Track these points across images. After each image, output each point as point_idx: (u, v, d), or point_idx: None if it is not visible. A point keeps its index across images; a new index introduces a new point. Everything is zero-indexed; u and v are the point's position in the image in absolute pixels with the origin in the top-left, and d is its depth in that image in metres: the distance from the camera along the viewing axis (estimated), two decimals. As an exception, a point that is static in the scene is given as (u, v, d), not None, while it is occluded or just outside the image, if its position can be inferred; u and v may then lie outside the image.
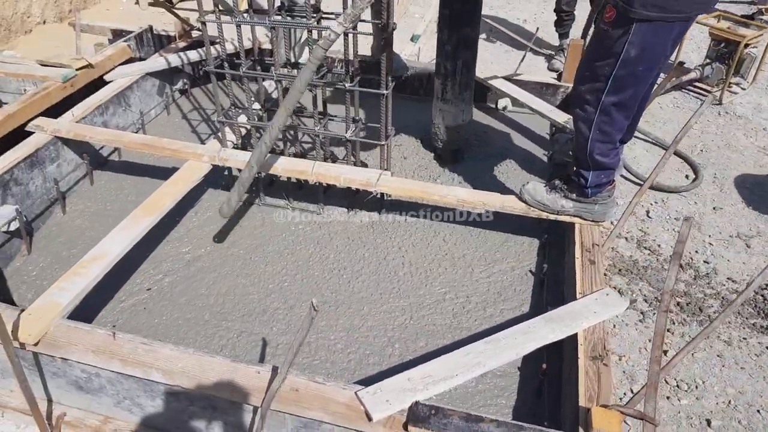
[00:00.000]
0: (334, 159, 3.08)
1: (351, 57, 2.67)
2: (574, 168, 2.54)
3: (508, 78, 3.83)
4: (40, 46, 5.64)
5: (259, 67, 2.86)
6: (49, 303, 2.10)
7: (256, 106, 3.11)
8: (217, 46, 2.85)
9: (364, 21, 2.64)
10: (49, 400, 2.28)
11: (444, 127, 3.32)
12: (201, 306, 2.63)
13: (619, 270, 3.29)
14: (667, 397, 2.64)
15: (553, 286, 2.66)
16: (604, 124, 2.30)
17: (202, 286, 2.72)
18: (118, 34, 4.30)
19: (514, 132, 3.84)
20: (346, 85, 2.66)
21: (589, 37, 2.74)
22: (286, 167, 2.86)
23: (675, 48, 2.29)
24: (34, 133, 3.10)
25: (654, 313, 3.03)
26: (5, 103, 3.63)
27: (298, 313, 2.61)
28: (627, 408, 1.73)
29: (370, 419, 1.75)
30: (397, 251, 2.93)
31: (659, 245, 3.49)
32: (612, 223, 3.00)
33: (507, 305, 2.65)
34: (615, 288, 3.14)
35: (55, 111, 3.32)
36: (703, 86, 5.04)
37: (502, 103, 3.96)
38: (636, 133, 4.36)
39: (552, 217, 2.63)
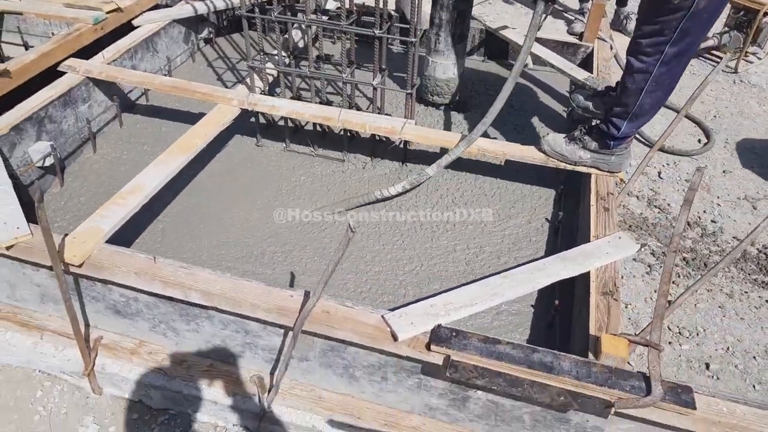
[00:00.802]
0: (358, 109, 3.17)
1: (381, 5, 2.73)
2: (609, 117, 2.58)
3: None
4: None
5: (289, 14, 2.93)
6: (92, 228, 2.22)
7: (284, 53, 3.19)
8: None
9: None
10: (87, 325, 2.43)
11: (434, 78, 3.34)
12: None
13: (630, 226, 3.41)
14: (669, 343, 2.77)
15: (568, 234, 2.77)
16: (663, 75, 2.33)
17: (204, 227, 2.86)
18: (144, -19, 4.35)
19: (535, 88, 3.92)
20: (376, 32, 2.73)
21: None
22: (314, 113, 2.95)
23: None
24: (66, 73, 3.19)
25: (660, 266, 3.16)
26: (31, 46, 3.71)
27: (298, 256, 2.74)
28: (634, 336, 1.86)
29: (396, 339, 1.88)
30: (413, 202, 3.05)
31: (669, 204, 3.59)
32: (623, 180, 3.09)
33: (521, 253, 2.77)
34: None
35: (85, 53, 3.41)
36: (721, 54, 5.07)
37: (522, 60, 4.01)
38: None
39: (569, 167, 2.73)
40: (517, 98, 3.80)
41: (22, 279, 2.38)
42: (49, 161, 2.95)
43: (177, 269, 2.10)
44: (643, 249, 3.25)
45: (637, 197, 3.63)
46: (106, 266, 2.13)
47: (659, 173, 3.83)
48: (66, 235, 2.21)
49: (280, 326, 2.05)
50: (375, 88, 2.93)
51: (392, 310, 1.99)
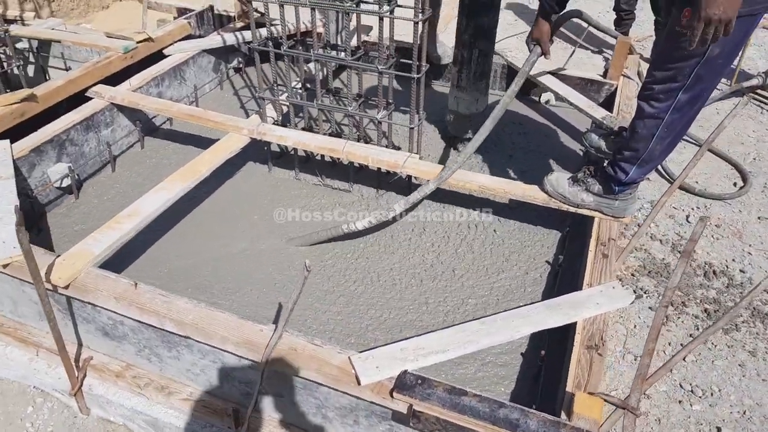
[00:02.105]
0: (367, 141, 3.17)
1: (385, 41, 2.74)
2: (615, 160, 2.49)
3: (551, 72, 3.81)
4: (115, 21, 5.98)
5: (301, 48, 2.97)
6: (83, 251, 2.28)
7: (297, 85, 3.23)
8: (272, 27, 3.00)
9: (401, 6, 2.71)
10: (80, 344, 2.48)
11: (457, 113, 3.34)
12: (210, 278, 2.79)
13: (649, 272, 3.24)
14: (679, 402, 2.60)
15: (567, 279, 2.66)
16: (675, 121, 2.25)
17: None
18: (182, 12, 4.52)
19: (554, 126, 3.83)
20: (379, 67, 2.73)
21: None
22: (320, 144, 2.97)
23: None
24: (92, 98, 3.32)
25: (678, 317, 2.98)
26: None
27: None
28: (610, 396, 1.75)
29: (359, 383, 1.83)
30: (417, 236, 3.00)
31: (695, 250, 3.40)
32: (637, 221, 2.95)
33: (517, 294, 2.68)
34: (642, 289, 3.11)
35: (115, 80, 3.55)
36: (766, 93, 4.83)
37: (545, 96, 3.94)
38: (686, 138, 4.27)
39: (572, 209, 2.63)
40: (535, 135, 3.73)
41: (22, 296, 2.46)
42: (66, 182, 3.07)
43: (155, 296, 2.12)
44: (661, 297, 3.08)
45: (661, 241, 3.45)
46: (90, 289, 2.17)
47: (687, 217, 3.65)
48: (58, 255, 2.27)
49: (252, 360, 2.04)
50: (380, 122, 2.92)
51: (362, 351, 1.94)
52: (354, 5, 2.69)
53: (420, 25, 2.60)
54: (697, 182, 3.93)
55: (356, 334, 2.50)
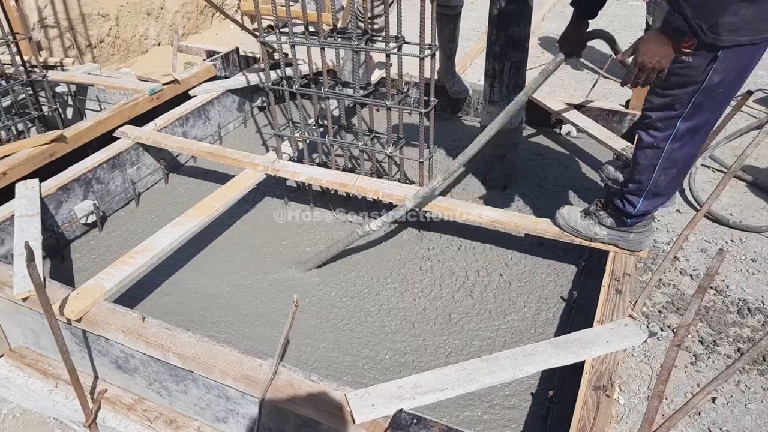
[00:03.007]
0: (380, 174, 3.18)
1: (395, 77, 2.77)
2: (623, 194, 2.44)
3: (570, 103, 3.76)
4: (153, 65, 6.22)
5: (314, 86, 3.03)
6: (96, 286, 2.34)
7: (312, 122, 3.29)
8: (297, 65, 3.08)
9: (408, 43, 2.74)
10: (95, 377, 2.53)
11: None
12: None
13: (677, 309, 3.12)
14: (706, 447, 2.47)
15: (582, 315, 2.58)
16: (675, 151, 2.19)
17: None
18: (211, 55, 4.68)
19: (574, 158, 3.77)
20: (387, 103, 2.75)
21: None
22: (332, 179, 3.00)
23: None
24: (119, 138, 3.45)
25: (708, 357, 2.85)
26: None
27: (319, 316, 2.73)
28: (611, 438, 1.67)
29: (354, 421, 1.81)
30: (429, 268, 2.98)
31: (728, 286, 3.27)
32: (664, 253, 2.83)
33: (530, 331, 2.61)
34: (669, 327, 2.98)
35: (142, 120, 3.69)
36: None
37: (566, 128, 3.89)
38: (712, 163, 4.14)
39: (585, 243, 2.57)
40: (554, 167, 3.68)
41: (43, 329, 2.53)
42: (91, 218, 3.18)
43: (161, 330, 2.15)
44: (689, 337, 2.95)
45: (691, 276, 3.32)
46: (100, 323, 2.22)
47: (720, 250, 3.50)
48: (72, 290, 2.34)
49: (253, 396, 2.03)
50: (390, 157, 2.94)
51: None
52: (363, 44, 2.73)
53: (426, 61, 2.62)
54: (731, 214, 3.79)
55: (352, 373, 2.46)
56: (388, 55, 2.67)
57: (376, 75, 3.99)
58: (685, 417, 2.21)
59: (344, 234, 3.16)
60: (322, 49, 2.80)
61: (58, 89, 4.41)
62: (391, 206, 3.11)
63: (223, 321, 2.71)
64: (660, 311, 3.12)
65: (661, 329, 3.00)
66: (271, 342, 2.59)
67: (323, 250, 2.89)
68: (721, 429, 2.54)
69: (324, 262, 2.88)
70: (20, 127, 3.96)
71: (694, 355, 2.86)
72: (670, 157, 2.20)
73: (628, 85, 2.06)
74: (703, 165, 4.14)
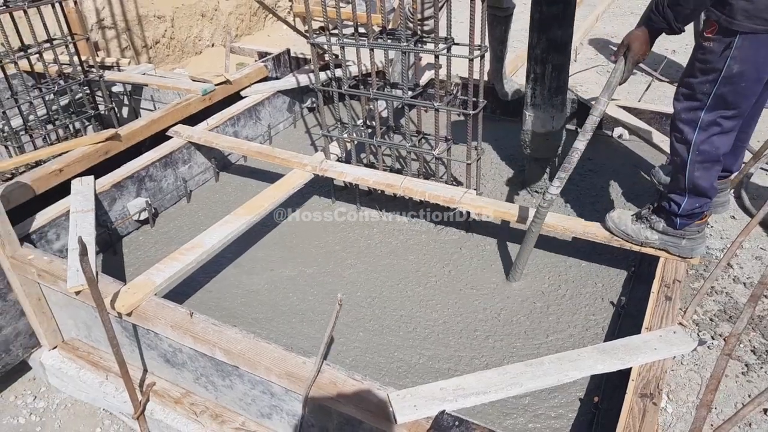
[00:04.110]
0: (427, 176, 3.18)
1: (444, 78, 2.76)
2: (667, 194, 2.42)
3: (623, 106, 3.68)
4: (206, 66, 6.37)
5: (362, 87, 3.05)
6: (146, 281, 2.41)
7: (360, 123, 3.31)
8: (347, 67, 3.11)
9: (458, 44, 2.73)
10: (145, 370, 2.60)
11: (532, 132, 3.21)
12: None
13: (730, 317, 3.02)
14: (757, 461, 2.38)
15: (631, 321, 2.52)
16: (703, 143, 2.20)
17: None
18: (262, 56, 4.76)
19: (626, 160, 3.68)
20: (435, 104, 2.75)
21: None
22: (378, 180, 3.01)
23: None
24: (172, 137, 3.55)
25: (760, 367, 2.75)
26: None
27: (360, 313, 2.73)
28: (659, 449, 1.63)
29: (395, 421, 1.81)
30: (473, 269, 2.96)
31: (779, 296, 3.14)
32: (717, 260, 2.74)
33: (577, 334, 2.57)
34: (721, 335, 2.89)
35: (195, 120, 3.78)
36: None
37: (618, 131, 3.81)
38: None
39: (636, 248, 2.51)
40: (605, 170, 3.60)
41: (95, 322, 2.62)
42: (144, 215, 3.27)
43: (208, 326, 2.20)
44: (742, 345, 2.86)
45: (745, 284, 3.21)
46: (149, 317, 2.28)
47: (777, 259, 3.38)
48: (123, 284, 2.42)
49: (297, 392, 2.06)
50: (437, 158, 2.93)
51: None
52: (412, 45, 2.74)
53: (476, 62, 2.60)
54: (789, 221, 3.65)
55: (389, 374, 2.46)
56: (437, 56, 2.66)
57: (426, 77, 3.99)
58: (734, 428, 2.14)
59: (390, 237, 3.17)
60: (372, 50, 2.82)
61: (114, 89, 4.56)
62: (437, 207, 3.10)
63: (264, 317, 2.75)
64: (711, 319, 3.03)
65: (712, 338, 2.91)
66: (309, 339, 2.62)
67: (522, 249, 2.76)
68: (771, 443, 2.45)
69: (527, 257, 2.79)
70: (77, 125, 4.12)
71: (746, 365, 2.77)
72: (698, 150, 2.21)
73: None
74: (761, 169, 4.00)
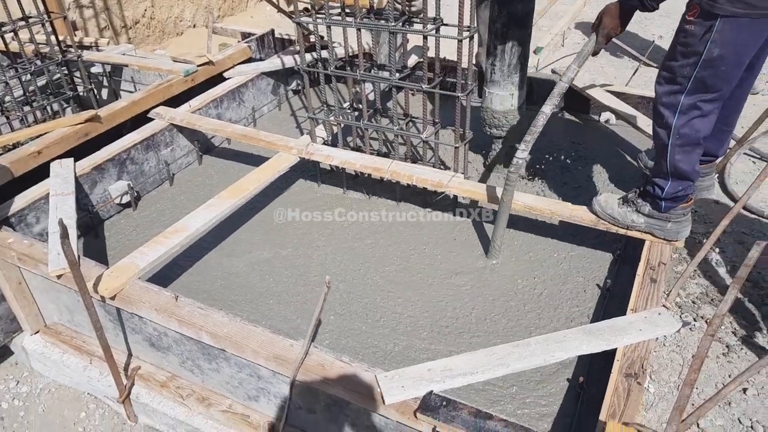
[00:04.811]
0: (414, 160, 3.16)
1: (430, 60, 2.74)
2: (651, 178, 2.44)
3: (610, 90, 3.69)
4: (187, 46, 6.27)
5: (349, 69, 3.02)
6: (129, 265, 2.38)
7: (346, 105, 3.28)
8: (333, 48, 3.05)
9: (446, 25, 2.71)
10: (129, 354, 2.58)
11: (492, 111, 3.19)
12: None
13: (711, 299, 3.06)
14: (738, 438, 2.43)
15: (616, 303, 2.54)
16: (683, 127, 2.21)
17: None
18: (246, 37, 4.68)
19: (613, 145, 3.70)
20: (423, 87, 2.73)
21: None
22: (365, 163, 2.99)
23: (763, 51, 2.15)
24: (154, 119, 3.49)
25: (741, 348, 2.79)
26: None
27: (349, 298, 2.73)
28: (645, 428, 1.65)
29: (383, 402, 1.81)
30: (457, 252, 2.96)
31: (764, 278, 3.19)
32: (701, 244, 2.77)
33: (563, 316, 2.59)
34: (702, 318, 2.93)
35: (177, 101, 3.72)
36: None
37: (605, 115, 3.82)
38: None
39: (622, 231, 2.52)
40: (592, 155, 3.61)
41: (77, 306, 2.58)
42: (126, 198, 3.22)
43: (194, 309, 2.18)
44: (722, 328, 2.90)
45: (726, 268, 3.26)
46: (134, 301, 2.25)
47: (759, 241, 3.42)
48: (107, 268, 2.38)
49: (284, 375, 2.05)
50: (425, 141, 2.92)
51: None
52: (400, 25, 2.71)
53: (465, 43, 2.58)
54: (771, 205, 3.70)
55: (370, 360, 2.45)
56: (425, 37, 2.64)
57: (413, 59, 3.96)
58: (715, 406, 2.18)
59: (377, 220, 3.16)
60: (359, 30, 2.78)
61: (93, 70, 4.47)
62: (425, 192, 3.09)
63: (243, 299, 2.75)
64: (694, 302, 3.06)
65: (695, 320, 2.95)
66: (287, 321, 2.62)
67: (496, 222, 2.75)
68: (751, 419, 2.49)
69: (503, 230, 2.78)
70: (55, 107, 4.03)
71: (727, 346, 2.81)
72: (679, 134, 2.22)
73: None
74: (745, 154, 4.04)
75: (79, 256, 2.41)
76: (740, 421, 2.48)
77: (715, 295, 3.08)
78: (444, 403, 1.77)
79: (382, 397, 1.81)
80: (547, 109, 2.42)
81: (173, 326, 2.18)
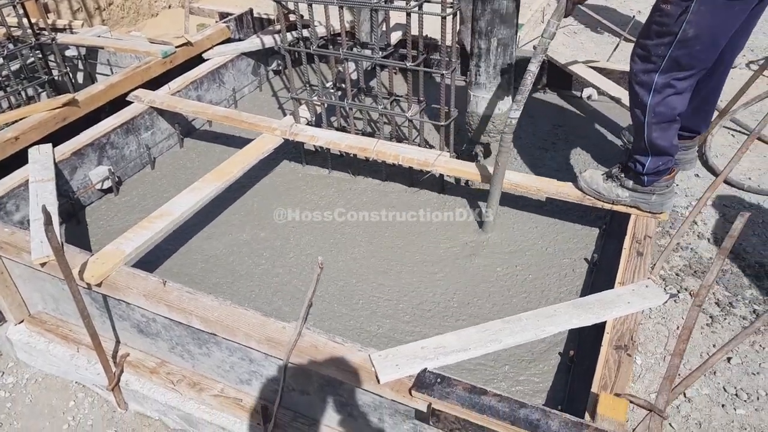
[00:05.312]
0: (399, 139, 3.15)
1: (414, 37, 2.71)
2: (632, 154, 2.45)
3: (592, 66, 3.70)
4: (163, 28, 6.14)
5: (332, 48, 2.98)
6: (115, 251, 2.34)
7: (330, 85, 3.25)
8: (314, 27, 3.00)
9: (429, 1, 2.68)
10: (117, 341, 2.55)
11: (477, 115, 3.01)
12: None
13: (695, 272, 3.11)
14: (722, 405, 2.48)
15: (604, 276, 2.57)
16: (658, 105, 2.22)
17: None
18: (224, 17, 4.60)
19: (596, 122, 3.72)
20: (408, 64, 2.71)
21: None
22: (350, 143, 2.97)
23: (746, 32, 2.17)
24: (132, 102, 3.42)
25: (723, 318, 2.85)
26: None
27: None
28: (636, 398, 1.68)
29: (378, 381, 1.82)
30: (442, 231, 2.97)
31: (745, 249, 3.25)
32: (683, 217, 2.82)
33: (553, 292, 2.62)
34: (686, 290, 2.98)
35: (155, 84, 3.65)
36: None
37: (587, 92, 3.84)
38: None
39: (608, 206, 2.55)
40: (575, 131, 3.63)
41: (63, 294, 2.54)
42: (107, 184, 3.17)
43: (182, 294, 2.16)
44: (707, 298, 2.95)
45: (709, 240, 3.31)
46: (121, 287, 2.23)
47: (743, 213, 3.47)
48: (91, 255, 2.35)
49: (277, 357, 2.05)
50: (410, 120, 2.90)
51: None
52: (382, 2, 2.67)
53: (448, 20, 2.56)
54: (749, 178, 3.75)
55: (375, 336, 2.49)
56: (408, 14, 2.61)
57: (396, 36, 3.92)
58: (701, 376, 2.23)
59: (361, 198, 3.15)
60: (341, 8, 2.74)
61: (68, 53, 4.36)
62: (411, 170, 3.08)
63: (224, 282, 2.75)
64: (677, 274, 3.11)
65: (678, 292, 2.99)
66: (268, 303, 2.63)
67: (492, 187, 2.69)
68: (735, 387, 2.55)
69: (497, 196, 2.74)
70: (30, 92, 3.93)
71: (711, 317, 2.86)
72: (654, 113, 2.23)
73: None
74: (724, 127, 4.08)
75: (62, 243, 2.38)
76: (725, 389, 2.54)
77: (698, 267, 3.13)
78: (438, 380, 1.78)
79: (377, 376, 1.82)
80: (533, 67, 2.40)
81: (162, 311, 2.16)
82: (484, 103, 2.97)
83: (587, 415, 1.73)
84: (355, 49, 2.98)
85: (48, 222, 1.86)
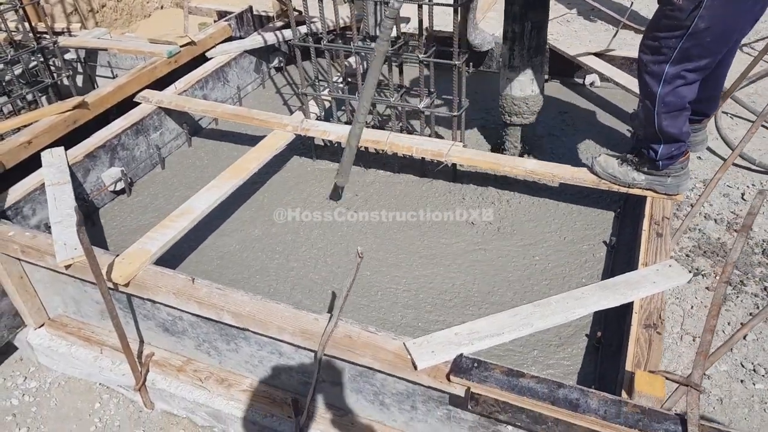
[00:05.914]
0: (410, 131, 3.17)
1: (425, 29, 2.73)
2: (645, 142, 2.48)
3: (596, 53, 3.74)
4: (157, 28, 6.11)
5: (340, 42, 2.99)
6: (140, 250, 2.35)
7: (338, 79, 3.26)
8: (311, 23, 3.02)
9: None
10: (141, 341, 2.55)
11: (512, 97, 3.07)
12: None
13: (704, 252, 3.16)
14: (741, 381, 2.53)
15: (623, 259, 2.61)
16: (668, 95, 2.24)
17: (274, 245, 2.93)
18: (222, 15, 4.61)
19: (600, 108, 3.76)
20: (420, 56, 2.73)
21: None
22: (363, 136, 2.98)
23: (754, 21, 2.20)
24: (141, 103, 3.42)
25: (736, 296, 2.90)
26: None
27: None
28: (672, 374, 1.71)
29: (415, 368, 1.84)
30: (456, 221, 3.00)
31: (752, 228, 3.30)
32: (690, 201, 2.87)
33: (574, 276, 2.65)
34: (697, 269, 3.03)
35: (161, 84, 3.65)
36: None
37: (590, 78, 3.88)
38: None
39: (623, 190, 2.58)
40: (579, 118, 3.67)
41: (84, 296, 2.55)
42: (120, 185, 3.17)
43: (212, 290, 2.17)
44: (717, 277, 3.00)
45: (716, 220, 3.36)
46: (149, 286, 2.23)
47: (743, 195, 3.54)
48: (117, 255, 2.35)
49: (308, 349, 2.07)
50: (422, 112, 2.92)
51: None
52: (392, -4, 2.69)
53: (459, 9, 2.58)
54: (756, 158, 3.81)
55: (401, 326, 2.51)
56: (420, 6, 2.63)
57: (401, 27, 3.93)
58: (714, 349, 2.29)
59: (375, 191, 3.17)
60: (351, 1, 2.76)
61: (67, 56, 4.34)
62: (423, 161, 3.10)
63: (240, 278, 2.76)
64: (687, 255, 3.16)
65: (690, 272, 3.05)
66: (287, 297, 2.65)
67: (342, 163, 2.79)
68: (753, 363, 2.60)
69: (351, 159, 2.82)
70: (29, 96, 3.89)
71: (723, 297, 2.91)
72: (664, 102, 2.25)
73: None
74: (723, 112, 4.14)
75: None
76: (743, 365, 2.59)
77: (707, 248, 3.18)
78: (475, 364, 1.80)
79: (414, 363, 1.84)
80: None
81: (193, 309, 2.17)
82: (518, 85, 3.01)
83: (624, 393, 1.77)
84: (363, 43, 2.99)
85: (81, 223, 1.87)
